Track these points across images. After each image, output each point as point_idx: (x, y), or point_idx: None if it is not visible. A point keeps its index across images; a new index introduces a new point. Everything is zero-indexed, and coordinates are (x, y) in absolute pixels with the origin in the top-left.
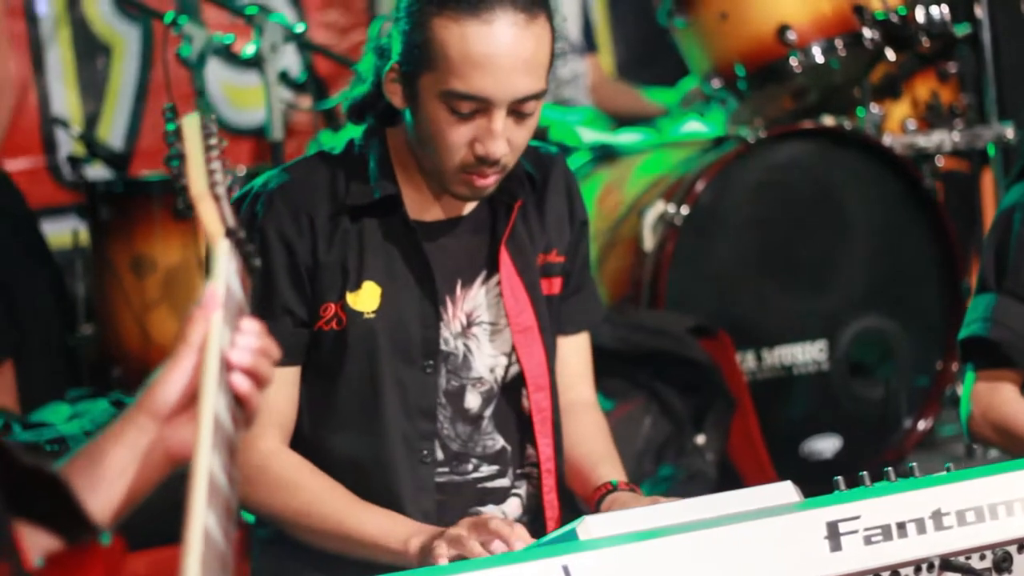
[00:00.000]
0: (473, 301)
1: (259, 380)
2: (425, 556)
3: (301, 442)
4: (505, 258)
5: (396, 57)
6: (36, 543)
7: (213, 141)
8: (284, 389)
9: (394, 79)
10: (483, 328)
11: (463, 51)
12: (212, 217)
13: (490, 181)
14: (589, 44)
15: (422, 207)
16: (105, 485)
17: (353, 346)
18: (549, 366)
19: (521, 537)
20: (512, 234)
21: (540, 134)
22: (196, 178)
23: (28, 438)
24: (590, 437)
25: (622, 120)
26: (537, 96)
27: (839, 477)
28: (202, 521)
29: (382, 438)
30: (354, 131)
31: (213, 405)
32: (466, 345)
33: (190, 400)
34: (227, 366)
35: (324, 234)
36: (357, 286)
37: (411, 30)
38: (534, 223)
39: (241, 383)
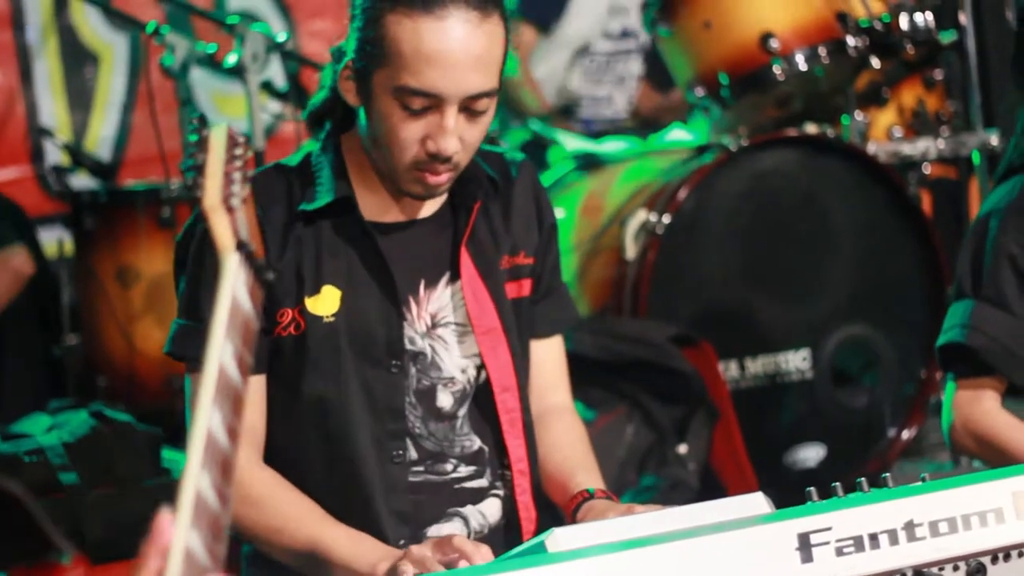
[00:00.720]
0: (438, 302)
1: None
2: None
3: (272, 448)
4: (466, 260)
5: (350, 55)
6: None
7: (238, 152)
8: (253, 396)
9: (348, 76)
10: (450, 329)
11: (415, 47)
12: (223, 229)
13: (443, 179)
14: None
15: (380, 209)
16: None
17: (314, 349)
18: (516, 367)
19: (484, 556)
20: (472, 236)
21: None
22: (211, 190)
23: (6, 449)
24: (567, 443)
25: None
26: (489, 94)
27: (811, 488)
28: (184, 540)
29: (348, 439)
30: (312, 146)
31: (207, 421)
32: (432, 346)
33: None
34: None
35: (276, 241)
36: (316, 290)
37: (364, 26)
38: (498, 225)
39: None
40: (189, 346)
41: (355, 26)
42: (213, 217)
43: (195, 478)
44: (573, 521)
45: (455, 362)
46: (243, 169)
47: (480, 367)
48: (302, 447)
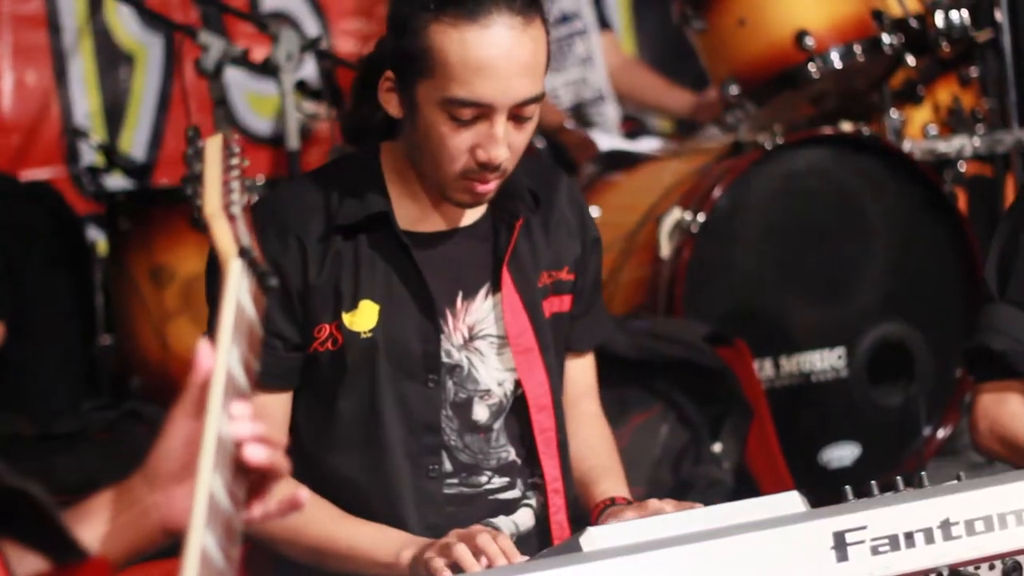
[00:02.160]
0: (476, 314)
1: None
2: (416, 568)
3: (302, 461)
4: (507, 278)
5: (390, 65)
6: (20, 564)
7: (235, 161)
8: (269, 415)
9: (389, 88)
10: (487, 342)
11: (463, 57)
12: (225, 237)
13: (491, 187)
14: (602, 22)
15: (419, 218)
16: (87, 546)
17: (352, 365)
18: (552, 385)
19: (506, 551)
20: (514, 254)
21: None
22: (211, 197)
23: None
24: (595, 451)
25: (645, 111)
26: (537, 99)
27: (847, 487)
28: (200, 541)
29: (383, 455)
30: (345, 152)
31: (218, 424)
32: (469, 359)
33: (188, 470)
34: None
35: (315, 256)
36: (354, 306)
37: (406, 38)
38: (539, 240)
39: (256, 454)
40: None
41: (394, 37)
42: (214, 225)
43: (208, 480)
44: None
45: (492, 375)
46: (241, 177)
47: (517, 382)
48: (336, 462)
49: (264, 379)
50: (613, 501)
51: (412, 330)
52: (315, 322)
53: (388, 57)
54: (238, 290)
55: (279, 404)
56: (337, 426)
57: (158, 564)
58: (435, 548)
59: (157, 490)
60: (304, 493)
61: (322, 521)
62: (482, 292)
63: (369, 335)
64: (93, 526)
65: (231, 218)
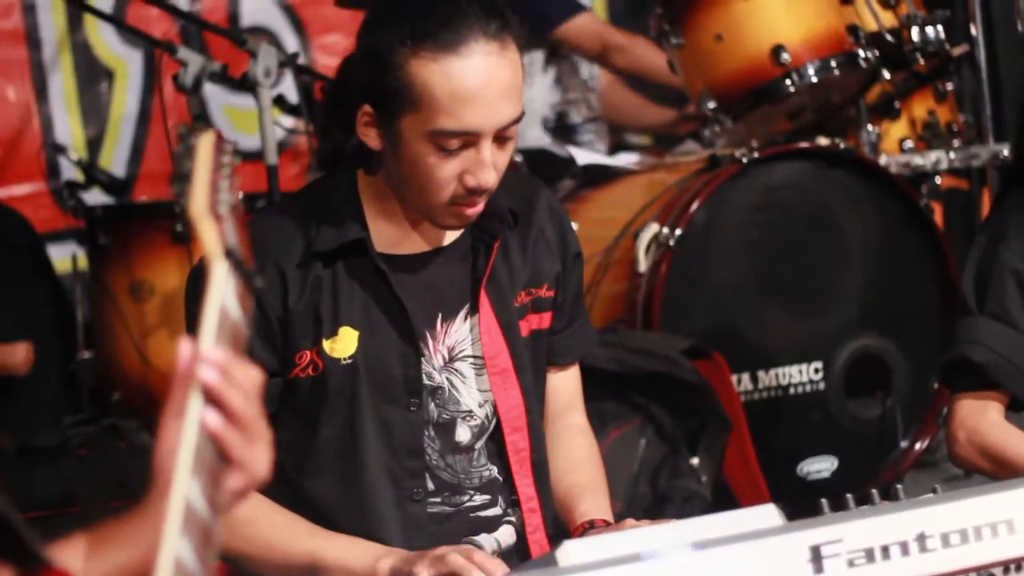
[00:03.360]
0: (455, 336)
1: (233, 416)
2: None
3: (284, 486)
4: (484, 301)
5: (367, 100)
6: None
7: (226, 160)
8: None
9: (367, 123)
10: (468, 363)
11: (448, 89)
12: (211, 237)
13: (479, 207)
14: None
15: (398, 241)
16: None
17: (333, 391)
18: (527, 407)
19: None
20: (492, 275)
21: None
22: (197, 197)
23: (22, 464)
24: (577, 467)
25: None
26: (518, 120)
27: (823, 500)
28: (175, 549)
29: (365, 479)
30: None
31: (197, 429)
32: (450, 380)
33: None
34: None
35: (295, 283)
36: (333, 332)
37: (384, 73)
38: (516, 260)
39: (212, 420)
40: None
41: (369, 72)
42: (200, 225)
43: (184, 486)
44: None
45: (473, 396)
46: (231, 177)
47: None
48: (318, 487)
49: None
50: (592, 524)
51: (392, 355)
52: (295, 349)
53: (364, 91)
54: (223, 292)
55: None
56: (319, 451)
57: None
58: (426, 560)
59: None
60: None
61: (294, 536)
62: (461, 314)
63: (349, 361)
64: (123, 549)
65: (218, 218)
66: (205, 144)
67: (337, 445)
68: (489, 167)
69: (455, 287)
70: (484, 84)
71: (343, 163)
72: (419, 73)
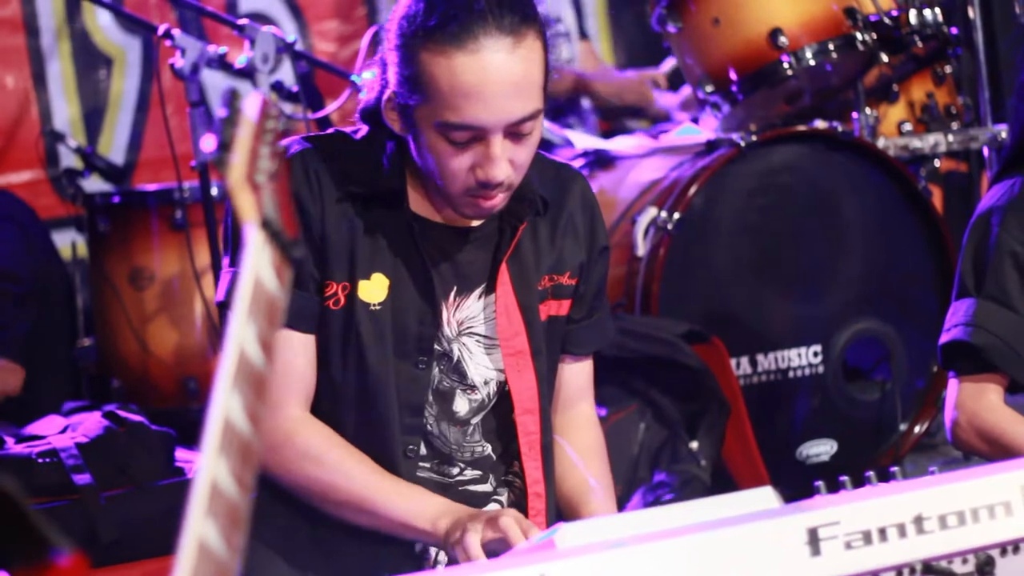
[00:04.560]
0: (466, 311)
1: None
2: (452, 538)
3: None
4: (504, 278)
5: (392, 87)
6: None
7: (270, 125)
8: (304, 355)
9: (391, 107)
10: (475, 340)
11: (452, 83)
12: (247, 206)
13: (497, 201)
14: (580, 31)
15: (430, 209)
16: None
17: (363, 333)
18: (540, 391)
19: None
20: (515, 254)
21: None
22: (237, 166)
23: (20, 452)
24: (586, 462)
25: (621, 112)
26: (533, 116)
27: (820, 482)
28: (199, 529)
29: (375, 424)
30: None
31: (225, 405)
32: (460, 351)
33: None
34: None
35: (332, 211)
36: (368, 275)
37: (402, 63)
38: (543, 244)
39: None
40: None
41: (393, 60)
42: (238, 194)
43: (212, 465)
44: None
45: (480, 372)
46: (273, 144)
47: (503, 383)
48: (339, 418)
49: (299, 322)
50: None
51: (413, 310)
52: (326, 276)
53: (388, 77)
54: (258, 262)
55: (307, 344)
56: (333, 391)
57: (157, 561)
58: (480, 520)
59: None
60: None
61: (359, 479)
62: (476, 292)
63: (378, 307)
64: None
65: (256, 187)
66: (251, 109)
67: (349, 388)
68: (499, 162)
69: (475, 265)
70: (490, 81)
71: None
72: (428, 66)
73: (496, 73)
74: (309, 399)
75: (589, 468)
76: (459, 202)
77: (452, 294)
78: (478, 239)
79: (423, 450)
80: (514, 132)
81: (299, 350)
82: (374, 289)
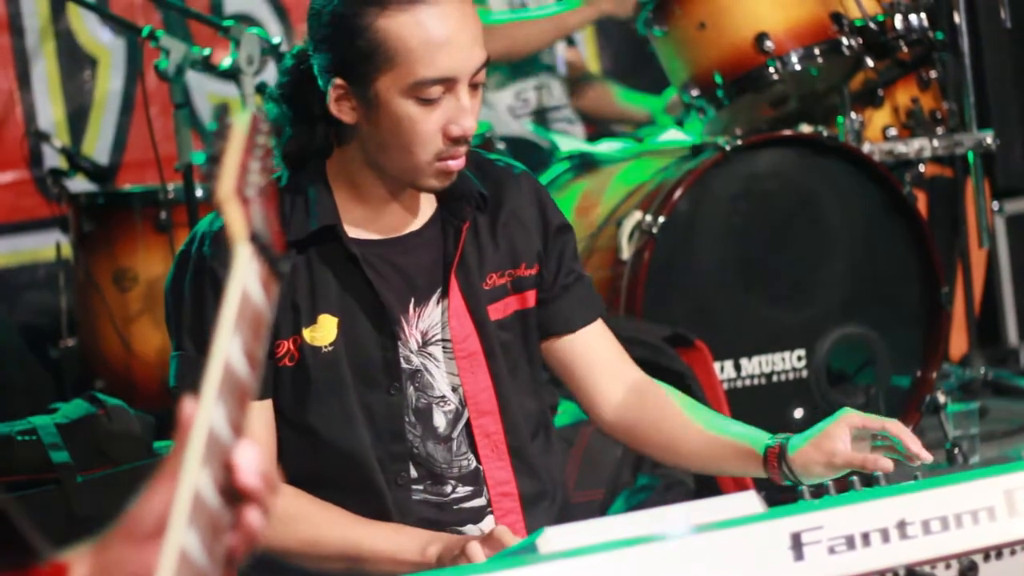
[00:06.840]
0: (428, 320)
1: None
2: (446, 561)
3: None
4: (454, 284)
5: (337, 73)
6: None
7: (260, 140)
8: (259, 422)
9: (340, 96)
10: (441, 347)
11: (423, 38)
12: (236, 220)
13: (462, 160)
14: (567, 38)
15: (370, 224)
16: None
17: (316, 380)
18: (498, 391)
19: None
20: (461, 259)
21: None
22: (225, 180)
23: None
24: (678, 411)
25: (602, 122)
26: (488, 62)
27: (803, 487)
28: (180, 540)
29: (359, 463)
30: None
31: (209, 417)
32: (425, 364)
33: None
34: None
35: None
36: (312, 320)
37: (353, 39)
38: (486, 243)
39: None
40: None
41: (332, 45)
42: (226, 208)
43: (194, 476)
44: (788, 469)
45: (445, 380)
46: (263, 158)
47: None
48: (317, 474)
49: None
50: (787, 439)
51: (371, 339)
52: (274, 337)
53: (332, 66)
54: (245, 276)
55: (263, 412)
56: (313, 441)
57: None
58: (478, 541)
59: (130, 546)
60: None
61: (339, 529)
62: (434, 298)
63: (330, 348)
64: None
65: (245, 201)
66: (240, 124)
67: (329, 433)
68: (469, 113)
69: (426, 271)
70: (457, 29)
71: (312, 159)
72: (391, 28)
73: (459, 20)
74: (272, 464)
75: (699, 417)
76: (426, 171)
77: (411, 305)
78: (424, 242)
79: (413, 473)
80: (475, 82)
81: (253, 418)
82: (320, 331)
